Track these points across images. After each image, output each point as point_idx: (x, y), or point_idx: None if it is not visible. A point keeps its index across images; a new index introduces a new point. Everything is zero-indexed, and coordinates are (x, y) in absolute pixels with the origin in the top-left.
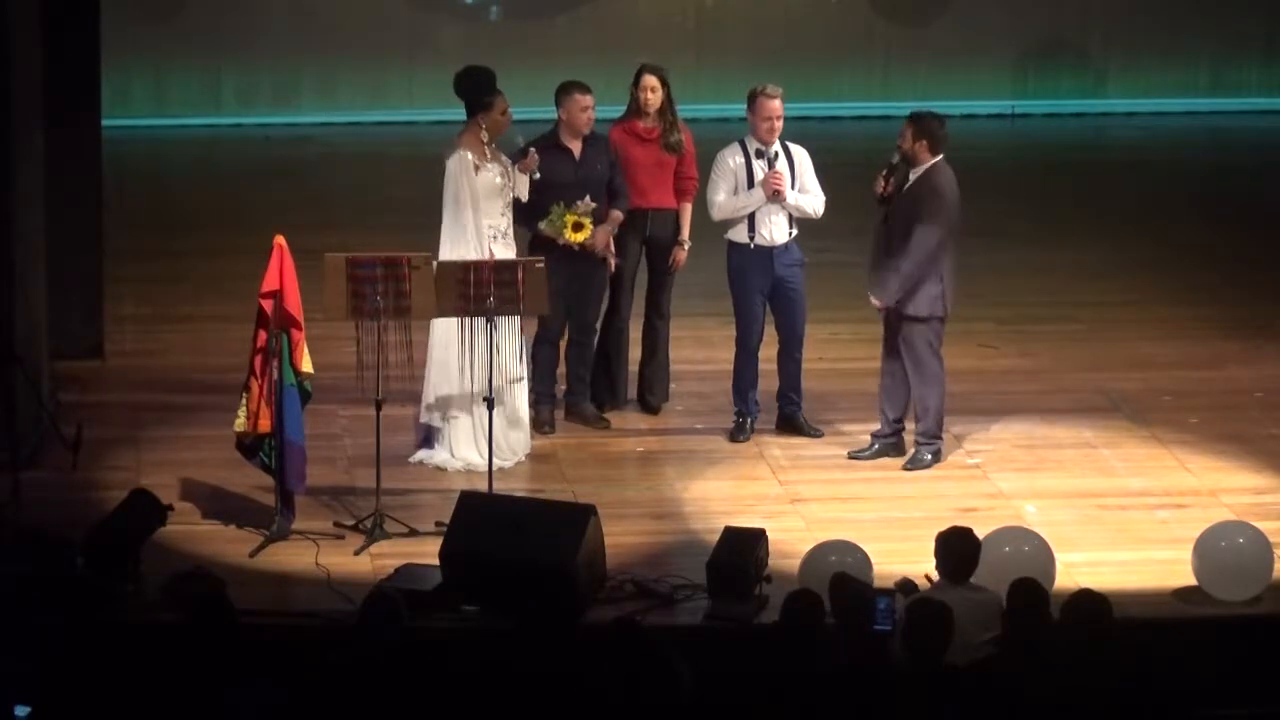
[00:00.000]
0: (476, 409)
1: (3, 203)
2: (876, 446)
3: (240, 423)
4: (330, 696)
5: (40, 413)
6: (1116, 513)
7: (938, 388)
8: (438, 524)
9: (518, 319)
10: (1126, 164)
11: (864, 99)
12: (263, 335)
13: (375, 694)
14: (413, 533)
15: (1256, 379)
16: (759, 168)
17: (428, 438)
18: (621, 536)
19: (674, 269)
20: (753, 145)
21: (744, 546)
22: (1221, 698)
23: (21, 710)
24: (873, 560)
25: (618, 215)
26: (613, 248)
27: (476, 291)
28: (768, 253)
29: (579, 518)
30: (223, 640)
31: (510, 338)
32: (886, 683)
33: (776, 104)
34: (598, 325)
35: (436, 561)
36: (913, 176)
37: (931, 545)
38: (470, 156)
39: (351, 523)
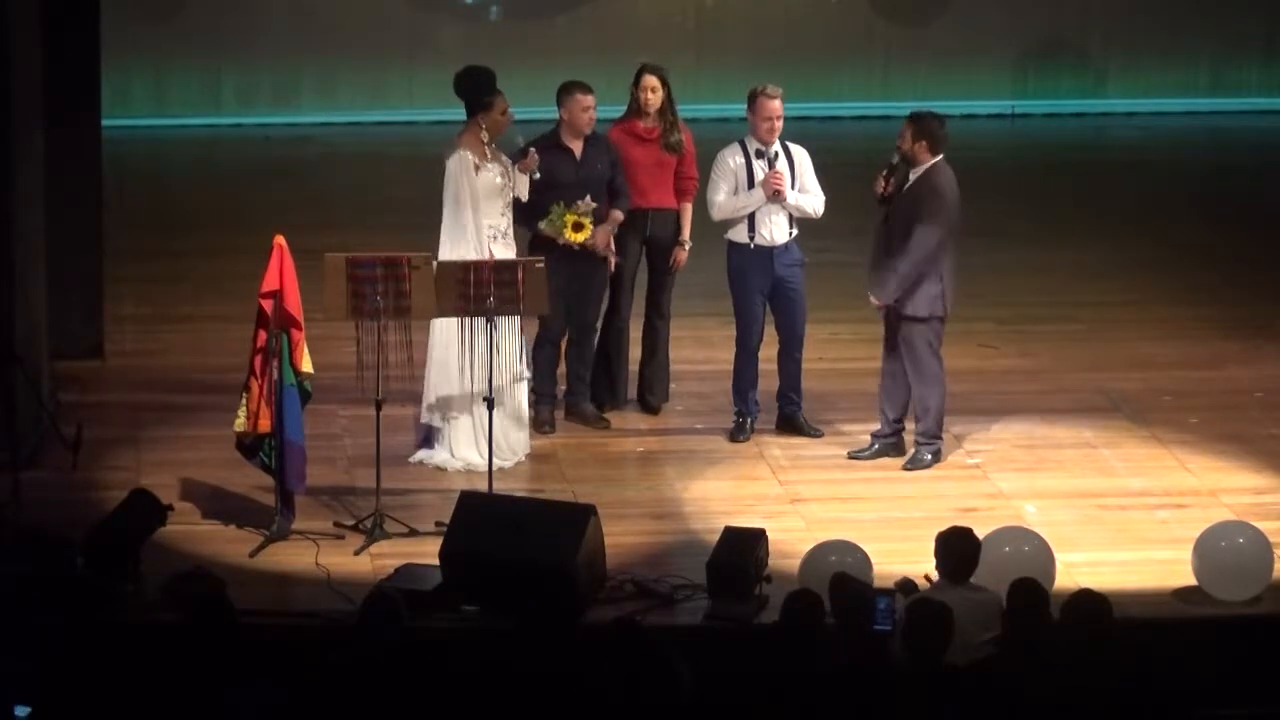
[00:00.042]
0: (476, 409)
1: (3, 203)
2: (876, 446)
3: (240, 423)
4: (330, 696)
5: (40, 413)
6: (1116, 513)
7: (938, 388)
8: (438, 524)
9: (518, 319)
10: (1126, 164)
11: (864, 99)
12: (263, 335)
13: (375, 694)
14: (413, 533)
15: (1256, 379)
16: (759, 168)
17: (428, 438)
18: (621, 536)
19: (674, 269)
20: (753, 145)
21: (744, 546)
22: (1221, 698)
23: (21, 710)
24: (873, 560)
25: (618, 215)
26: (613, 247)
27: (476, 291)
28: (768, 253)
29: (579, 518)
30: (223, 640)
31: (510, 337)
32: (886, 683)
33: (777, 104)
34: (598, 325)
35: (436, 561)
36: (913, 176)
37: (931, 545)
38: (470, 156)
39: (351, 523)
